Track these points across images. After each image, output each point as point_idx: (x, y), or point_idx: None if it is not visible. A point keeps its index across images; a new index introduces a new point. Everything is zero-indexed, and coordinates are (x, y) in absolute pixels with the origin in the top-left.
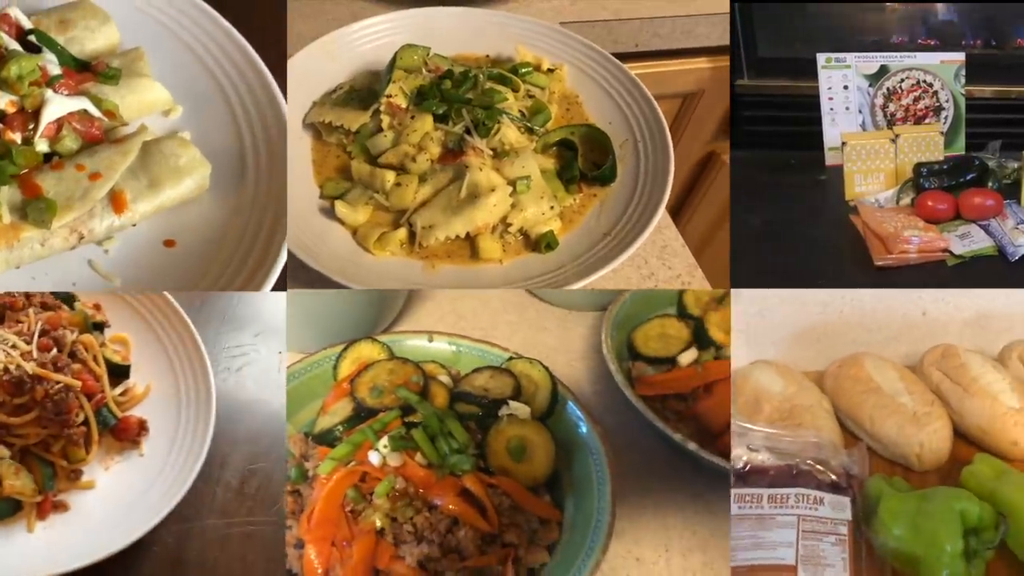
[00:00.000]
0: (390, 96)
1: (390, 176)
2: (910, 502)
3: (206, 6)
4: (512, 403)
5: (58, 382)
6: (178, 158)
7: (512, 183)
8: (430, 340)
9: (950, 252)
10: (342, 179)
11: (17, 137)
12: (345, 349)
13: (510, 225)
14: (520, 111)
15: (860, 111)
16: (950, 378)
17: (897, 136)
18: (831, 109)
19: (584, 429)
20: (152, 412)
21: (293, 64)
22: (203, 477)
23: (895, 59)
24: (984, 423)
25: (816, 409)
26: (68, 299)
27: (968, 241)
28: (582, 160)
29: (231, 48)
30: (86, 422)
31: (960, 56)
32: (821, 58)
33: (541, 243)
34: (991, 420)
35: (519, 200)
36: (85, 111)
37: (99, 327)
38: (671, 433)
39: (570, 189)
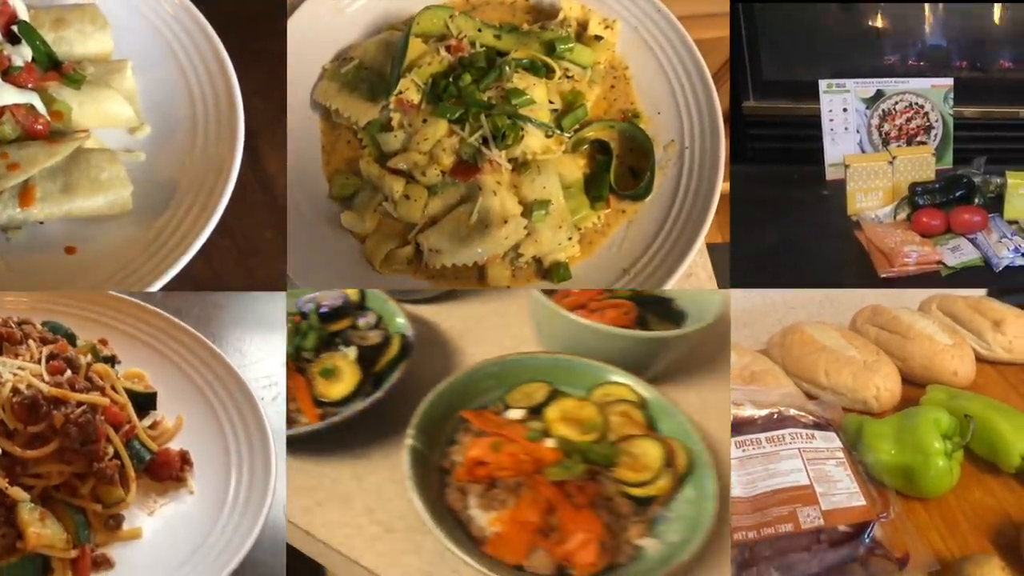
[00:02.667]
0: (400, 93)
1: (399, 186)
2: (890, 424)
3: (213, 35)
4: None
5: (80, 403)
6: (100, 171)
7: (529, 208)
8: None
9: (943, 264)
10: (351, 174)
11: None
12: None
13: (522, 255)
14: (551, 104)
15: (858, 131)
16: (887, 330)
17: (894, 158)
18: (831, 129)
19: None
20: (193, 445)
21: (297, 17)
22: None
23: (890, 84)
24: (926, 361)
25: (774, 372)
26: (69, 337)
27: (959, 254)
28: (617, 163)
29: (222, 86)
30: (117, 457)
31: (949, 81)
32: (823, 84)
33: (554, 274)
34: (932, 357)
35: (534, 227)
36: (32, 107)
37: (109, 362)
38: None
39: (596, 206)
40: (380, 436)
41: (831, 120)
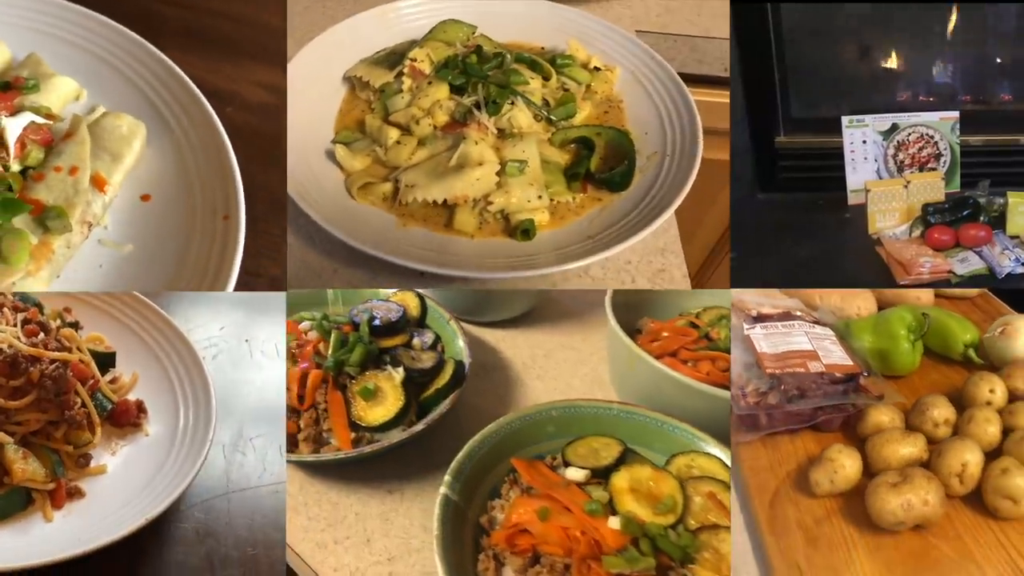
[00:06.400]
0: (414, 60)
1: (393, 133)
2: (869, 321)
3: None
4: None
5: (53, 360)
6: (120, 128)
7: (504, 163)
8: None
9: (953, 273)
10: (357, 130)
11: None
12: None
13: (491, 203)
14: (544, 99)
15: (876, 160)
16: None
17: (908, 183)
18: (853, 159)
19: None
20: (148, 396)
21: (352, 23)
22: (216, 452)
23: (904, 118)
24: (896, 290)
25: (778, 294)
26: (38, 306)
27: (966, 264)
28: (599, 162)
29: (97, 27)
30: (84, 407)
31: (955, 114)
32: (845, 119)
33: (518, 229)
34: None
35: (507, 182)
36: (33, 122)
37: (73, 327)
38: None
39: (572, 186)
40: (418, 473)
41: (852, 151)
